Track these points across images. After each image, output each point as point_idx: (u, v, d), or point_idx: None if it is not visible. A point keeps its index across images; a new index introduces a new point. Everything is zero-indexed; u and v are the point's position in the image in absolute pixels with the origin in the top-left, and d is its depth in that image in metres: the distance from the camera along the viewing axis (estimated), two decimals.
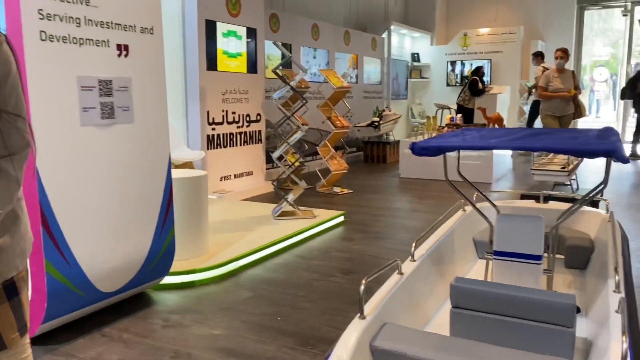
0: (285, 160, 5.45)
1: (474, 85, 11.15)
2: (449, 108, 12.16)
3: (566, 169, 4.39)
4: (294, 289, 3.56)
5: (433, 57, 13.78)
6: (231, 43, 6.53)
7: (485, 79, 12.80)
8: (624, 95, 10.28)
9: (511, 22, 13.17)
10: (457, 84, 13.12)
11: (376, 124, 9.49)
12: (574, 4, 13.04)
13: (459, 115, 8.94)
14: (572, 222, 3.24)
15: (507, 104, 11.41)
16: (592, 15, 18.37)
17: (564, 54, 7.13)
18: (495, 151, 6.98)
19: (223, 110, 6.43)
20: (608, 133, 2.47)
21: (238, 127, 6.67)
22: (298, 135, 5.41)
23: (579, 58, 13.56)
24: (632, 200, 6.18)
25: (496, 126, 8.14)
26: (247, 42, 6.83)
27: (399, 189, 7.24)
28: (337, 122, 6.59)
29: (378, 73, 11.54)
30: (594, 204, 3.68)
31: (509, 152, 8.77)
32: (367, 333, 1.81)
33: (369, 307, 1.92)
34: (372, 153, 9.92)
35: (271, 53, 8.02)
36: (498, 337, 1.97)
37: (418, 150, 2.28)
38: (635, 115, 9.95)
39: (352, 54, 10.26)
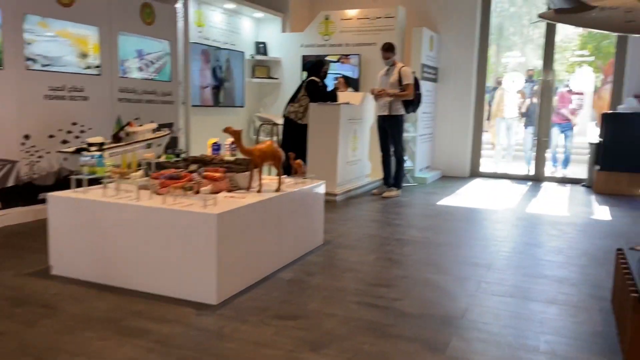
0: None
1: (313, 87, 6.90)
2: (275, 124, 7.86)
3: None
4: None
5: (286, 49, 9.49)
6: None
7: (352, 80, 8.62)
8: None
9: (391, 1, 9.08)
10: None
11: (90, 149, 4.97)
12: None
13: (229, 140, 4.58)
14: None
15: (367, 120, 7.22)
16: None
17: None
18: None
19: None
20: None
21: None
22: None
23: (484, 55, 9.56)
24: None
25: (266, 166, 3.77)
26: None
27: None
28: None
29: (168, 63, 7.07)
30: None
31: None
32: None
33: None
34: None
35: None
36: None
37: None
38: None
39: (71, 21, 5.73)
